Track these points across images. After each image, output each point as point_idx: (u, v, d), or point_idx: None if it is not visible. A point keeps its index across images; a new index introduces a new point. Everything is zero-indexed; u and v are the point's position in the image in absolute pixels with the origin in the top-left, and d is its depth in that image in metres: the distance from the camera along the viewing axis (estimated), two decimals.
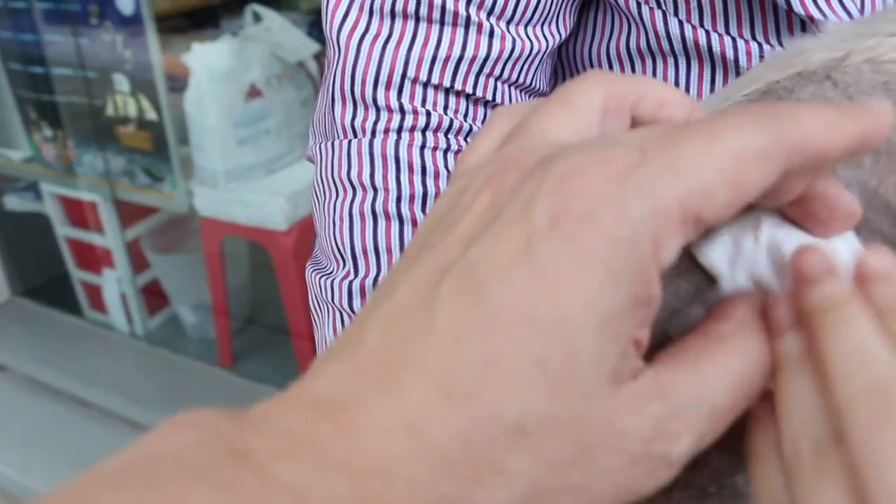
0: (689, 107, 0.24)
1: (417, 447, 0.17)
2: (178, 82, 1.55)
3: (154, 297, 1.84)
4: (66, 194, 1.77)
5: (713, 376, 0.20)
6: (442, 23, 0.41)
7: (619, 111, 0.23)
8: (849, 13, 0.41)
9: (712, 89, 0.44)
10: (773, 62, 0.31)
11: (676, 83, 0.44)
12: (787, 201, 0.22)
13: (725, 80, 0.43)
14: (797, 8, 0.40)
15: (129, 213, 1.75)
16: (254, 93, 1.51)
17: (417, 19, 0.41)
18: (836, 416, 0.20)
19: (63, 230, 1.83)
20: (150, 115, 1.56)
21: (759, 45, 0.42)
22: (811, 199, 0.22)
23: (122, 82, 1.56)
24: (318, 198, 0.46)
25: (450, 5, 0.41)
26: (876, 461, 0.18)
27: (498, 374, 0.18)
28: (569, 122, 0.22)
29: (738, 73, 0.43)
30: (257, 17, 1.64)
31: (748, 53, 0.41)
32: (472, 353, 0.18)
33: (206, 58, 1.46)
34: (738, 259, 0.24)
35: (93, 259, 1.81)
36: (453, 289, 0.19)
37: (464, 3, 0.41)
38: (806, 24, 0.42)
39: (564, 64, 0.51)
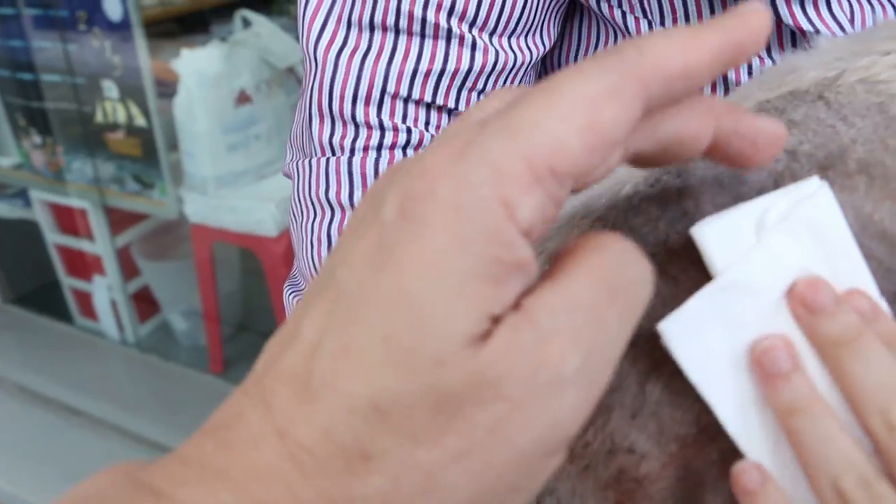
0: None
1: (288, 449, 0.18)
2: (167, 88, 1.54)
3: (144, 303, 1.82)
4: (55, 201, 1.76)
5: (577, 281, 0.19)
6: (423, 35, 0.40)
7: None
8: (840, 26, 0.40)
9: None
10: (764, 80, 0.31)
11: None
12: (695, 146, 0.21)
13: (713, 93, 0.43)
14: (787, 20, 0.40)
15: (118, 220, 1.74)
16: (243, 98, 1.50)
17: (397, 32, 0.40)
18: (881, 448, 0.20)
19: (53, 237, 1.82)
20: (140, 121, 1.55)
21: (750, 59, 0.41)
22: (729, 140, 0.22)
23: (110, 88, 1.55)
24: (295, 217, 0.45)
25: (430, 17, 0.40)
26: None
27: (348, 362, 0.18)
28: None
29: (726, 86, 0.43)
30: (247, 23, 1.63)
31: (736, 66, 0.41)
32: (326, 350, 0.18)
33: (196, 63, 1.45)
34: (731, 247, 0.23)
35: (83, 266, 1.80)
36: (318, 298, 0.19)
37: (445, 15, 0.40)
38: (797, 37, 0.41)
39: (549, 74, 0.51)
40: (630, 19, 0.43)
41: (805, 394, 0.22)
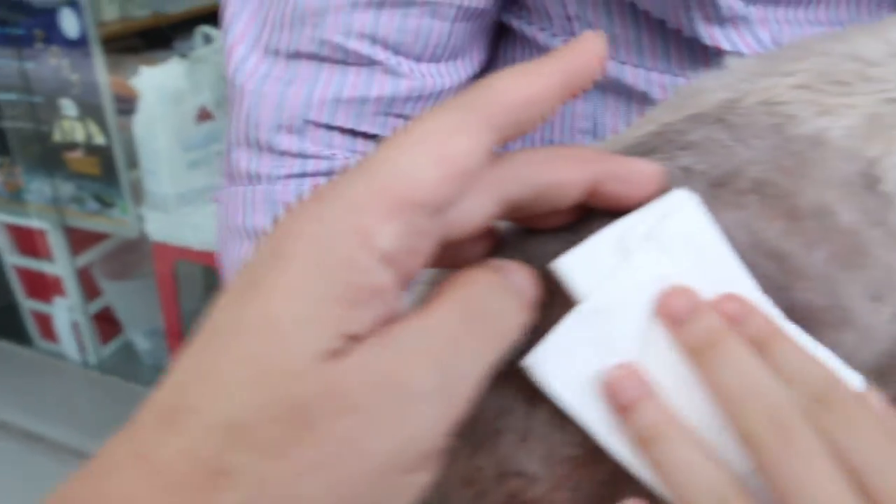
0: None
1: (146, 471, 0.19)
2: (127, 105, 1.53)
3: (106, 324, 1.80)
4: (13, 222, 1.73)
5: (441, 307, 0.21)
6: (345, 63, 0.40)
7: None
8: (763, 46, 0.41)
9: (628, 122, 0.43)
10: (670, 102, 0.31)
11: (591, 118, 0.43)
12: (569, 192, 0.23)
13: (640, 114, 0.43)
14: (706, 40, 0.40)
15: (79, 240, 1.72)
16: (204, 115, 1.49)
17: (320, 60, 0.40)
18: (751, 452, 0.21)
19: (11, 259, 1.79)
20: (99, 139, 1.53)
21: (673, 76, 0.41)
22: (605, 185, 0.24)
23: (69, 107, 1.53)
24: (221, 247, 0.44)
25: (351, 45, 0.40)
26: (791, 487, 0.19)
27: (210, 383, 0.19)
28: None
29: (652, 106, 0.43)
30: (208, 39, 1.62)
31: (661, 86, 0.41)
32: (190, 377, 0.20)
33: (155, 80, 1.44)
34: (594, 274, 0.23)
35: (43, 287, 1.77)
36: (196, 337, 0.21)
37: (367, 43, 0.40)
38: (722, 55, 0.42)
39: None
40: (557, 42, 0.43)
41: (656, 421, 0.22)
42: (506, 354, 0.23)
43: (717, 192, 0.26)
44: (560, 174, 0.23)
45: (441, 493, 0.25)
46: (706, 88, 0.30)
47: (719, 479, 0.21)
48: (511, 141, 0.23)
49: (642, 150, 0.28)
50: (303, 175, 0.41)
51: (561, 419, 0.24)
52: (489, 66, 0.48)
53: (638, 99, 0.42)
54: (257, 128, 0.41)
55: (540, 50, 0.45)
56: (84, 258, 1.74)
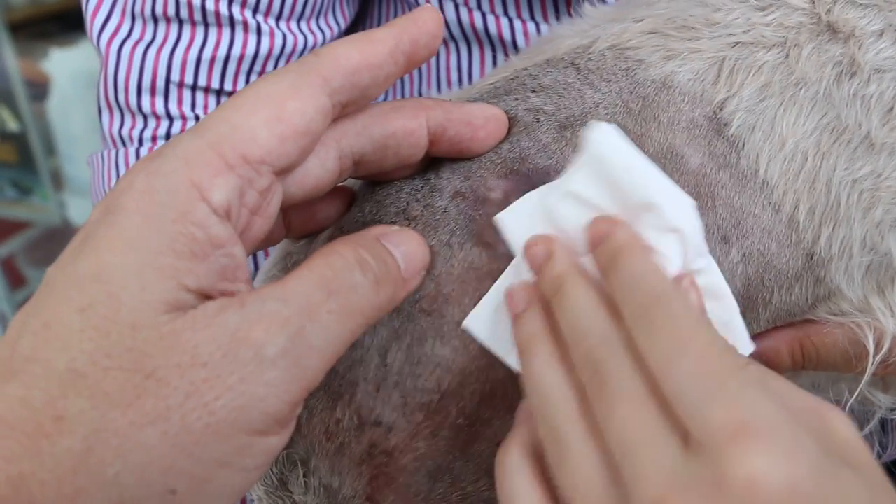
0: None
1: None
2: (40, 90, 1.48)
3: None
4: None
5: (298, 278, 0.21)
6: (205, 24, 0.40)
7: None
8: None
9: None
10: (527, 49, 0.31)
11: (459, 69, 0.44)
12: (412, 142, 0.24)
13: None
14: None
15: (1, 229, 1.66)
16: None
17: (180, 22, 0.40)
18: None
19: None
20: (12, 125, 1.48)
21: (537, 24, 0.41)
22: (446, 131, 0.25)
23: None
24: None
25: (210, 5, 0.39)
26: (611, 428, 0.19)
27: (49, 333, 0.19)
28: None
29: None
30: None
31: (525, 34, 0.41)
32: (28, 330, 0.20)
33: (67, 63, 1.40)
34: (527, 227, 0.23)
35: None
36: (35, 296, 0.21)
37: (225, 3, 0.39)
38: (583, 2, 0.42)
39: None
40: None
41: (531, 332, 0.22)
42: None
43: (565, 133, 0.27)
44: (398, 123, 0.24)
45: (306, 446, 0.26)
46: (561, 35, 0.31)
47: (567, 392, 0.21)
48: (355, 105, 0.23)
49: (496, 94, 0.28)
50: (168, 136, 0.41)
51: (415, 366, 0.24)
52: (360, 23, 0.49)
53: (505, 48, 0.43)
54: (121, 91, 0.40)
55: (405, 5, 0.45)
56: (7, 247, 1.69)
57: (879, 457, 0.44)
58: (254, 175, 0.21)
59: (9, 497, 0.18)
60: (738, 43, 0.29)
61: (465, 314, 0.24)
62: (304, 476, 0.26)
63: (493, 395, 0.25)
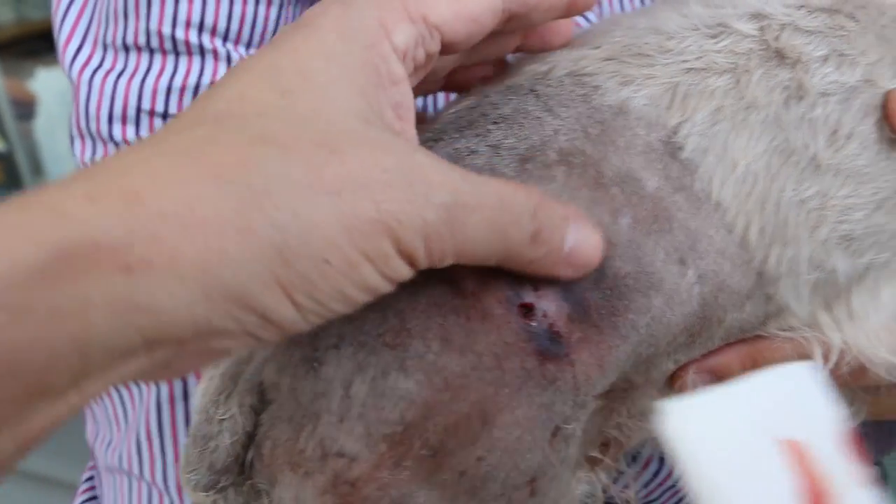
0: None
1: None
2: (26, 109, 1.49)
3: None
4: None
5: (482, 178, 0.24)
6: (176, 53, 0.40)
7: None
8: (586, 19, 0.42)
9: None
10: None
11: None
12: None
13: None
14: None
15: None
16: None
17: (151, 52, 0.40)
18: None
19: None
20: None
21: None
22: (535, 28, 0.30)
23: None
24: None
25: (180, 35, 0.40)
26: None
27: (245, 101, 0.21)
28: None
29: None
30: None
31: None
32: (221, 97, 0.22)
33: (54, 82, 1.41)
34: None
35: None
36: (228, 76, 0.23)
37: (195, 32, 0.40)
38: None
39: None
40: None
41: None
42: (316, 342, 0.24)
43: (525, 166, 0.27)
44: None
45: (269, 476, 0.26)
46: (518, 59, 0.32)
47: None
48: (519, 23, 0.28)
49: (458, 126, 0.29)
50: None
51: (376, 399, 0.25)
52: None
53: None
54: (93, 120, 0.40)
55: None
56: None
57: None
58: (428, 36, 0.24)
59: (184, 214, 0.18)
60: (691, 69, 0.30)
61: (429, 349, 0.24)
62: None
63: (457, 427, 0.25)
